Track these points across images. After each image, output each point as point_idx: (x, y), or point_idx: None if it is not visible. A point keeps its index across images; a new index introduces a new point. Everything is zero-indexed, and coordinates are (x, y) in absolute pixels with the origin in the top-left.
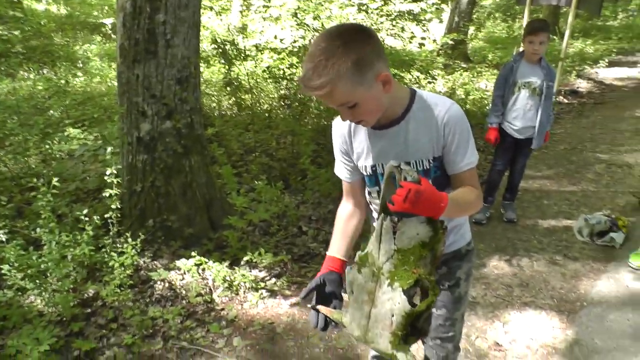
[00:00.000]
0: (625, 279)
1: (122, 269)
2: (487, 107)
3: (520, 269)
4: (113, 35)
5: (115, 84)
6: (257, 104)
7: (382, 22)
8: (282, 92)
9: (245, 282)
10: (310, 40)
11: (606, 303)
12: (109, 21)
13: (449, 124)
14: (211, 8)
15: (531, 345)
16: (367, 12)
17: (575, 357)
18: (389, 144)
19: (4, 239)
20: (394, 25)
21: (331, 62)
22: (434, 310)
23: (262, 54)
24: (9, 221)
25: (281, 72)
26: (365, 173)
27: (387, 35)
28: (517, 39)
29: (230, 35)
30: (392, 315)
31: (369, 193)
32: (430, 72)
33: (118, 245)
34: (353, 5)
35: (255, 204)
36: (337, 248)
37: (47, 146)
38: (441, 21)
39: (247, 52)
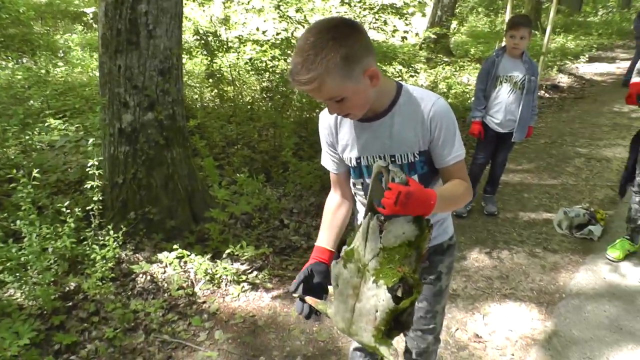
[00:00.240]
0: (602, 271)
1: (104, 261)
2: (469, 101)
3: (500, 262)
4: (95, 25)
5: (97, 74)
6: (240, 96)
7: (364, 16)
8: (265, 84)
9: (227, 275)
10: (292, 33)
11: (584, 295)
12: (90, 10)
13: (435, 118)
14: None
15: (510, 336)
16: (349, 5)
17: (553, 348)
18: (374, 136)
19: None
20: (376, 19)
21: (320, 57)
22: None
23: (244, 46)
24: None
25: (263, 64)
26: (350, 165)
27: (370, 28)
28: (499, 33)
29: (212, 26)
30: (376, 311)
31: (354, 184)
32: (412, 65)
33: (100, 237)
34: None
35: (237, 197)
36: (325, 238)
37: (27, 137)
38: (424, 15)
39: (230, 44)
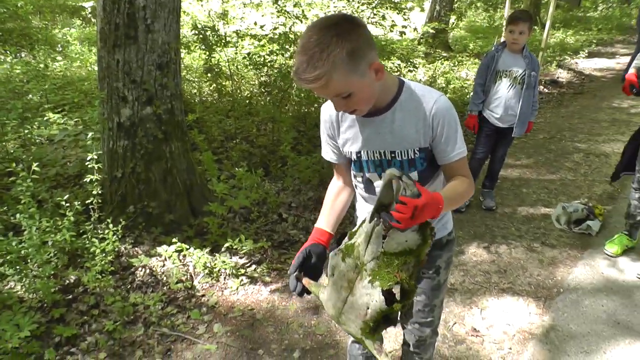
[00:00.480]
0: (600, 265)
1: (103, 255)
2: (468, 96)
3: (499, 256)
4: (93, 19)
5: (96, 68)
6: (238, 91)
7: (362, 10)
8: (263, 79)
9: (225, 269)
10: (290, 28)
11: (582, 289)
12: (88, 4)
13: (437, 116)
14: None
15: (508, 330)
16: (348, 0)
17: (551, 342)
18: (375, 131)
19: None
20: (375, 14)
21: (326, 54)
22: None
23: (242, 40)
24: None
25: (262, 59)
26: (350, 158)
27: (368, 23)
28: (498, 28)
29: (210, 21)
30: (368, 308)
31: (354, 176)
32: (411, 60)
33: (99, 231)
34: None
35: (236, 191)
36: (325, 221)
37: (26, 131)
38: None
39: (228, 39)
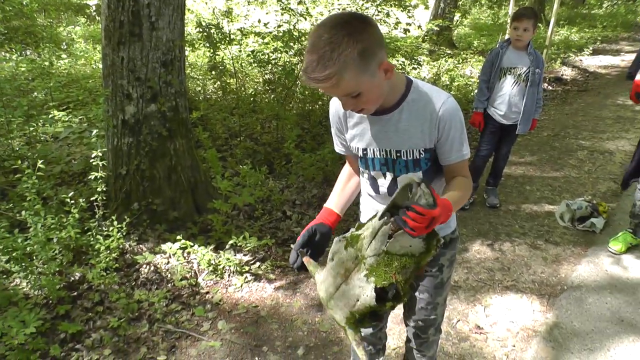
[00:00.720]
0: (604, 263)
1: (108, 252)
2: (472, 94)
3: (502, 254)
4: (97, 17)
5: (100, 66)
6: (242, 88)
7: (367, 8)
8: (267, 76)
9: (229, 266)
10: (294, 25)
11: (586, 287)
12: (93, 2)
13: (444, 119)
14: None
15: (512, 328)
16: None
17: (554, 340)
18: (381, 130)
19: None
20: (379, 11)
21: (337, 53)
22: (417, 294)
23: (247, 38)
24: None
25: (266, 56)
26: (357, 154)
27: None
28: (502, 26)
29: (215, 18)
30: (357, 300)
31: (361, 172)
32: (415, 58)
33: (104, 228)
34: None
35: (240, 188)
36: (334, 202)
37: (32, 128)
38: (427, 7)
39: (232, 36)
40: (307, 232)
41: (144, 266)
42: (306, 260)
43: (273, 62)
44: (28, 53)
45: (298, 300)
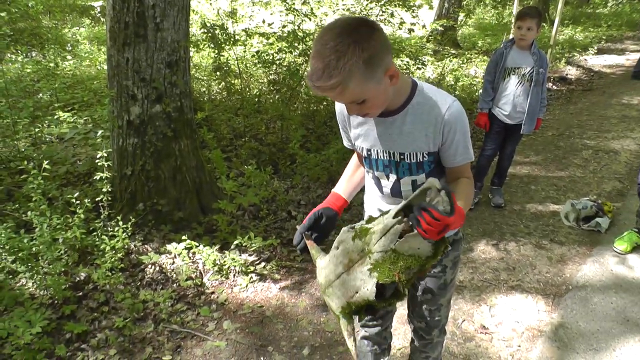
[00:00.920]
0: (609, 263)
1: (113, 252)
2: (477, 94)
3: (507, 253)
4: (102, 19)
5: (105, 67)
6: (247, 89)
7: (371, 8)
8: (272, 77)
9: (235, 266)
10: (299, 26)
11: (591, 287)
12: (97, 4)
13: (449, 123)
14: None
15: (517, 328)
16: None
17: (560, 340)
18: (385, 132)
19: None
20: (383, 11)
21: (343, 62)
22: (420, 294)
23: (251, 38)
24: None
25: (270, 57)
26: (361, 153)
27: (377, 20)
28: (507, 25)
29: (219, 19)
30: (356, 292)
31: (367, 171)
32: (419, 58)
33: (109, 228)
34: None
35: (245, 189)
36: (342, 188)
37: (37, 129)
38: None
39: (237, 37)
40: (313, 216)
41: (149, 266)
42: (310, 243)
43: (278, 62)
44: (33, 54)
45: (303, 300)
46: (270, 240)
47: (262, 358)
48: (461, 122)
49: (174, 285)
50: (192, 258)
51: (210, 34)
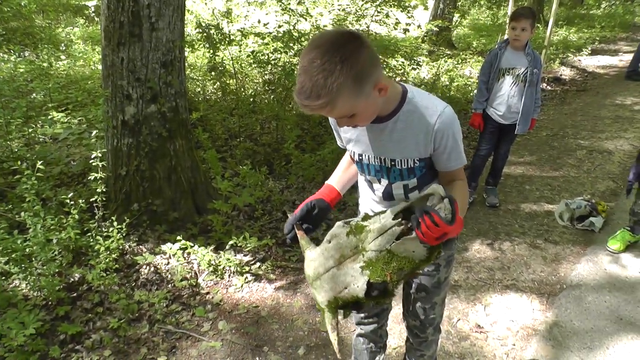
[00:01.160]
0: (603, 262)
1: (108, 253)
2: (472, 94)
3: (502, 253)
4: (96, 18)
5: (99, 67)
6: (242, 89)
7: (366, 9)
8: (267, 77)
9: (230, 266)
10: (294, 26)
11: (585, 286)
12: (91, 3)
13: (440, 131)
14: None
15: (512, 327)
16: None
17: (554, 338)
18: (376, 138)
19: None
20: (378, 12)
21: (330, 81)
22: (414, 293)
23: (246, 38)
24: None
25: (265, 57)
26: (353, 157)
27: (372, 21)
28: (501, 26)
29: (214, 19)
30: (345, 288)
31: (360, 173)
32: (414, 58)
33: (103, 229)
34: None
35: (240, 189)
36: (337, 180)
37: (30, 130)
38: (426, 8)
39: (232, 37)
40: (305, 206)
41: (144, 267)
42: (300, 234)
43: (273, 62)
44: (27, 54)
45: (299, 300)
46: (265, 241)
47: (257, 358)
48: (453, 129)
49: (169, 285)
50: (187, 258)
51: (205, 34)
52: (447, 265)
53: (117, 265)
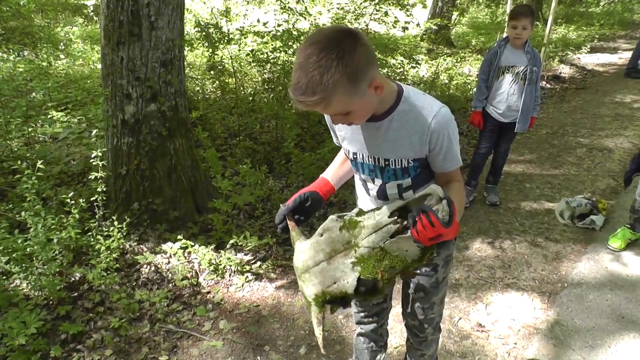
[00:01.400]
0: (604, 260)
1: (108, 252)
2: (471, 92)
3: (503, 251)
4: (95, 18)
5: (99, 66)
6: (241, 88)
7: (365, 7)
8: (266, 76)
9: (230, 266)
10: (294, 24)
11: (586, 284)
12: (91, 3)
13: (436, 132)
14: None
15: (513, 325)
16: None
17: (555, 337)
18: (371, 137)
19: None
20: (377, 10)
21: (326, 78)
22: (412, 293)
23: (245, 37)
24: None
25: (265, 56)
26: (348, 156)
27: (371, 19)
28: (500, 24)
29: (213, 18)
30: (334, 283)
31: (355, 172)
32: (413, 57)
33: (104, 228)
34: None
35: (240, 188)
36: (331, 173)
37: (30, 129)
38: (425, 6)
39: (231, 36)
40: (299, 198)
41: (145, 266)
42: (291, 225)
43: (272, 61)
44: (26, 53)
45: (299, 299)
46: (265, 240)
47: (258, 357)
48: (449, 130)
49: (170, 285)
50: (187, 257)
51: (204, 33)
52: (446, 265)
53: (117, 265)
